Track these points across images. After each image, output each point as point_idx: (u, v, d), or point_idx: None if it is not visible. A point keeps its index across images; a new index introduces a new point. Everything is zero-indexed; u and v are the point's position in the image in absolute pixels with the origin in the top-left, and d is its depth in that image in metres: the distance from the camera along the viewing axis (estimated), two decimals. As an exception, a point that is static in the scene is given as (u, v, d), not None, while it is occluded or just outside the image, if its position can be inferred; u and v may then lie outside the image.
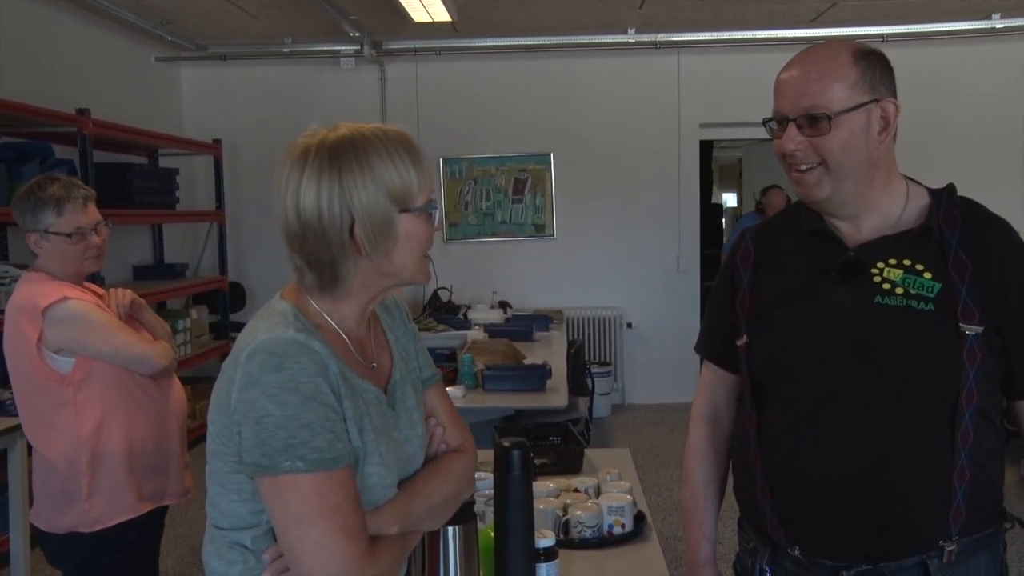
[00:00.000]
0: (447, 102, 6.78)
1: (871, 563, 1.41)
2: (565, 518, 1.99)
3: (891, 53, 1.48)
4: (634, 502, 2.07)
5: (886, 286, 1.40)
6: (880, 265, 1.42)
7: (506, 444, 1.52)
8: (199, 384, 5.87)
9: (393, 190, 1.22)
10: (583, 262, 6.89)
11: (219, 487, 1.25)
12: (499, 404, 3.54)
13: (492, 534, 1.55)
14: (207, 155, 6.47)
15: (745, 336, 1.52)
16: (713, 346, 1.66)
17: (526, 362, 4.01)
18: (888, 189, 1.45)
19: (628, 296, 6.91)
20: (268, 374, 1.16)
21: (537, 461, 2.40)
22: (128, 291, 2.55)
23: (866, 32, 6.13)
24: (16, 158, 4.36)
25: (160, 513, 2.53)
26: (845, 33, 6.21)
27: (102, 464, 2.35)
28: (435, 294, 6.12)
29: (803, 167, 1.41)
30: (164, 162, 6.31)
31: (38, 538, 2.46)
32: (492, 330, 5.10)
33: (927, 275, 1.39)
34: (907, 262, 1.41)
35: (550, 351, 4.63)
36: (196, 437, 4.93)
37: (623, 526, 2.00)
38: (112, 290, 2.53)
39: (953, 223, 1.42)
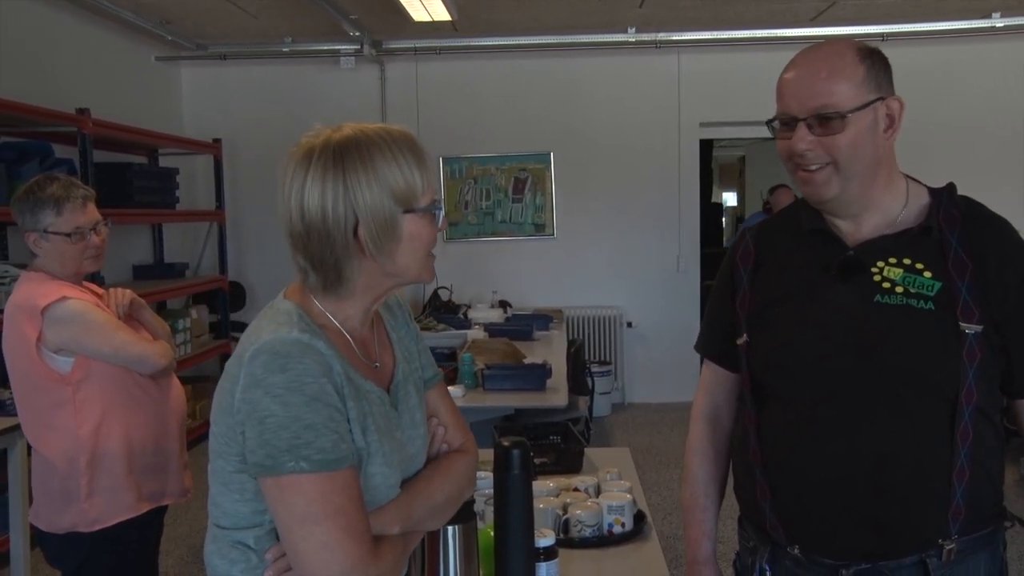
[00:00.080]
0: (447, 101, 6.78)
1: (870, 562, 1.41)
2: (565, 517, 1.99)
3: (891, 52, 1.49)
4: (634, 501, 2.08)
5: (886, 285, 1.40)
6: (880, 264, 1.42)
7: (506, 443, 1.52)
8: (199, 384, 5.87)
9: (397, 191, 1.22)
10: (583, 261, 6.89)
11: (221, 486, 1.25)
12: (499, 403, 3.54)
13: (492, 533, 1.55)
14: (207, 155, 6.47)
15: (745, 335, 1.53)
16: (713, 345, 1.66)
17: (526, 361, 4.01)
18: (890, 188, 1.46)
19: (628, 295, 6.91)
20: (272, 374, 1.16)
21: (537, 460, 2.40)
22: (127, 291, 2.55)
23: (866, 31, 6.13)
24: (16, 158, 4.36)
25: (159, 513, 2.54)
26: (845, 32, 6.21)
27: (101, 464, 2.35)
28: (435, 293, 6.12)
29: (813, 167, 1.40)
30: (164, 162, 6.31)
31: (38, 538, 2.46)
32: (492, 329, 5.10)
33: (927, 274, 1.40)
34: (907, 261, 1.41)
35: (550, 350, 4.63)
36: (196, 437, 4.95)
37: (623, 525, 2.00)
38: (111, 290, 2.53)
39: (953, 222, 1.42)
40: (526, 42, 6.54)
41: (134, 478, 2.40)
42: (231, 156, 6.63)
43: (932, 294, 1.38)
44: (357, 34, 6.16)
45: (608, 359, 6.77)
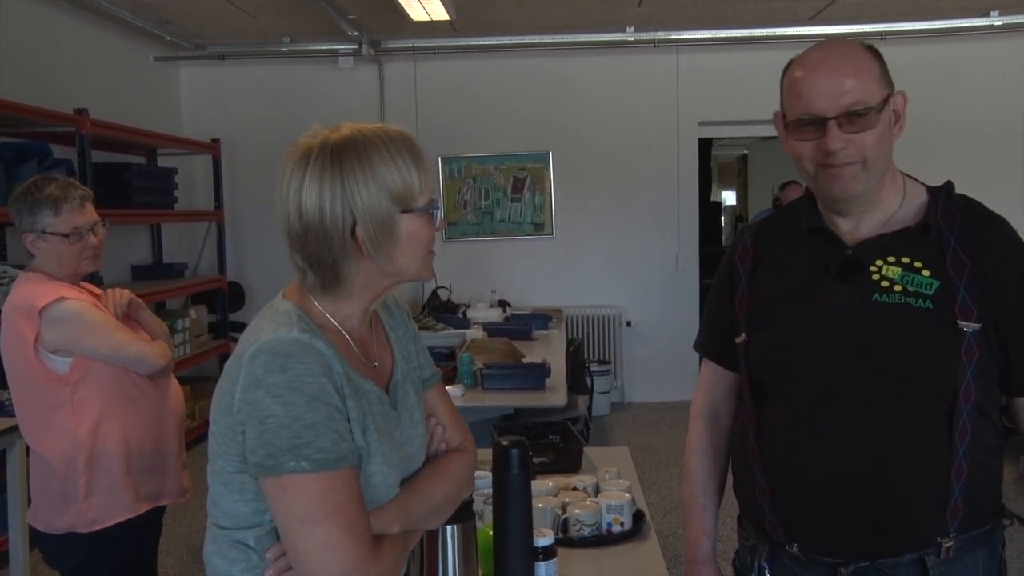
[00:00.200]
0: (446, 101, 6.78)
1: (869, 560, 1.41)
2: (564, 516, 1.99)
3: (890, 50, 1.49)
4: (633, 500, 2.07)
5: (885, 284, 1.40)
6: (879, 263, 1.42)
7: (505, 443, 1.52)
8: (198, 384, 5.87)
9: (395, 191, 1.22)
10: (582, 260, 6.89)
11: (221, 486, 1.25)
12: (498, 403, 3.54)
13: (491, 533, 1.55)
14: (206, 155, 6.47)
15: (744, 334, 1.53)
16: (712, 344, 1.66)
17: (525, 361, 4.01)
18: (892, 185, 1.46)
19: (627, 294, 6.91)
20: (272, 374, 1.16)
21: (536, 460, 2.40)
22: (125, 291, 2.54)
23: (865, 29, 6.13)
24: (14, 158, 4.36)
25: (158, 513, 2.53)
26: (844, 31, 6.21)
27: (99, 464, 2.35)
28: (434, 293, 6.12)
29: (845, 163, 1.37)
30: (163, 162, 6.30)
31: (36, 539, 2.46)
32: (491, 329, 5.10)
33: (925, 272, 1.40)
34: (905, 260, 1.41)
35: (549, 350, 4.63)
36: (195, 437, 4.95)
37: (622, 524, 2.00)
38: (110, 290, 2.53)
39: (951, 220, 1.42)
40: (525, 41, 6.54)
41: (132, 478, 2.40)
42: (230, 156, 6.63)
43: (931, 293, 1.38)
44: (356, 34, 6.16)
45: (607, 358, 6.77)
